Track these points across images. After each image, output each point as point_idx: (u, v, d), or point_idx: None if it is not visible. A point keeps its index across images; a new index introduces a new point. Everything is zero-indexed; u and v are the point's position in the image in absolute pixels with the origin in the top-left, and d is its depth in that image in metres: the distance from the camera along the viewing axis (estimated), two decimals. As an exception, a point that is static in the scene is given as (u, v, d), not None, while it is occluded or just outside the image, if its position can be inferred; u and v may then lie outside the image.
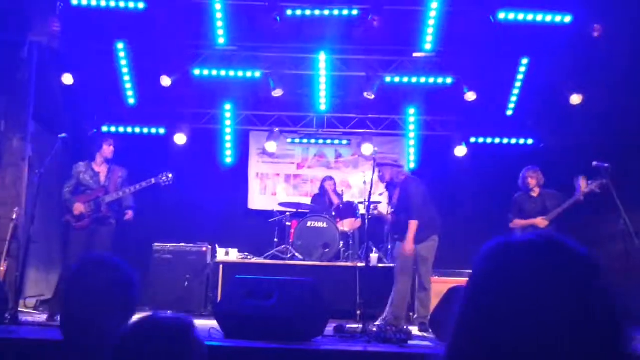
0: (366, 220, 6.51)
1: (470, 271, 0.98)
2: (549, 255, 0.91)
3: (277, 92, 8.43)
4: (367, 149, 8.43)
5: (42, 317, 5.87)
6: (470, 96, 8.26)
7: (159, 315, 1.59)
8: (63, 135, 5.96)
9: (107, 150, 6.45)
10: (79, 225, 6.26)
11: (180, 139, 8.85)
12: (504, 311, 0.88)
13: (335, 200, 8.33)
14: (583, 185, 6.29)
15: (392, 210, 6.15)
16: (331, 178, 8.65)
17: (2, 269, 5.96)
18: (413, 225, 5.95)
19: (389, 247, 7.92)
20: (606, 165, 5.92)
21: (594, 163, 5.94)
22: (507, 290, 0.89)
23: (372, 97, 8.41)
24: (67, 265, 6.15)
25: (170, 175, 6.69)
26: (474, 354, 0.90)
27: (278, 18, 7.72)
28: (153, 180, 6.57)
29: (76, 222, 6.26)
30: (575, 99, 7.93)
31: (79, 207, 6.20)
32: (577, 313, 0.86)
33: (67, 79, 7.88)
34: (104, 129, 8.97)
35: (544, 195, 6.75)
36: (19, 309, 5.41)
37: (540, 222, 6.56)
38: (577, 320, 0.85)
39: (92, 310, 1.74)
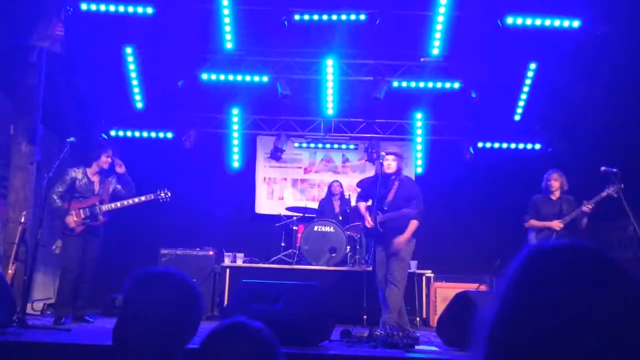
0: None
1: (508, 275, 0.98)
2: (589, 263, 0.92)
3: (285, 95, 8.42)
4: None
5: (50, 320, 5.89)
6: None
7: (246, 321, 1.63)
8: (71, 139, 5.98)
9: (105, 161, 6.43)
10: (77, 228, 6.26)
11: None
12: (545, 316, 0.88)
13: (337, 208, 8.30)
14: (604, 194, 6.20)
15: (386, 208, 5.97)
16: (337, 181, 8.62)
17: (10, 272, 5.98)
18: (416, 223, 5.87)
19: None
20: (615, 170, 5.89)
21: (602, 168, 5.91)
22: (549, 295, 0.89)
23: (381, 96, 8.37)
24: (66, 269, 6.16)
25: (169, 193, 6.69)
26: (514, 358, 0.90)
27: (286, 23, 7.74)
28: (152, 196, 6.59)
29: (67, 229, 6.25)
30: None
31: (71, 220, 6.19)
32: (616, 322, 0.86)
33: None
34: (112, 133, 9.02)
35: (563, 200, 6.70)
36: (27, 312, 5.43)
37: (556, 224, 6.52)
38: (616, 329, 0.85)
39: (153, 330, 1.57)
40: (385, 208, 5.88)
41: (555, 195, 6.69)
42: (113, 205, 6.40)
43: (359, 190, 6.90)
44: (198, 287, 1.70)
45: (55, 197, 6.17)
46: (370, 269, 6.33)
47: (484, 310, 0.98)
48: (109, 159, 6.47)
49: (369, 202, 6.08)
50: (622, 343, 0.85)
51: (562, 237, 6.60)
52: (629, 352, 0.85)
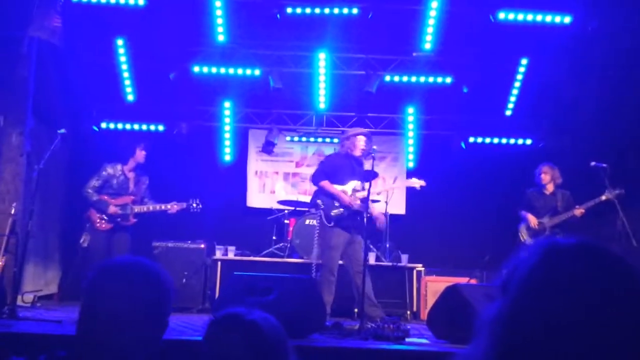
0: (364, 219, 6.45)
1: (515, 268, 0.97)
2: (603, 262, 0.92)
3: (277, 90, 8.43)
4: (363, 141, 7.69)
5: (40, 313, 5.87)
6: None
7: (242, 312, 1.62)
8: (62, 130, 5.96)
9: (140, 155, 6.50)
10: (102, 226, 6.31)
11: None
12: (555, 313, 0.87)
13: None
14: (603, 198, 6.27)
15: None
16: None
17: (0, 263, 5.96)
18: None
19: (387, 245, 7.94)
20: (604, 165, 5.94)
21: (592, 163, 5.97)
22: (560, 293, 0.88)
23: (373, 91, 8.38)
24: (89, 262, 6.20)
25: (200, 205, 6.69)
26: (518, 354, 0.89)
27: (278, 16, 7.73)
28: (184, 205, 6.64)
29: (99, 222, 6.31)
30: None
31: (113, 209, 6.27)
32: (629, 322, 0.86)
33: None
34: (103, 125, 8.98)
35: (558, 196, 6.72)
36: (17, 304, 5.41)
37: (533, 221, 6.61)
38: (628, 328, 0.85)
39: (118, 322, 1.47)
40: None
41: (549, 189, 6.73)
42: (145, 207, 6.46)
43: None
44: (168, 276, 1.61)
45: (91, 191, 6.26)
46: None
47: (490, 304, 0.97)
48: (144, 152, 6.49)
49: (348, 185, 6.02)
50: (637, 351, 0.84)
51: (555, 233, 6.66)
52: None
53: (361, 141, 6.05)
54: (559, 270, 0.91)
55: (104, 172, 6.41)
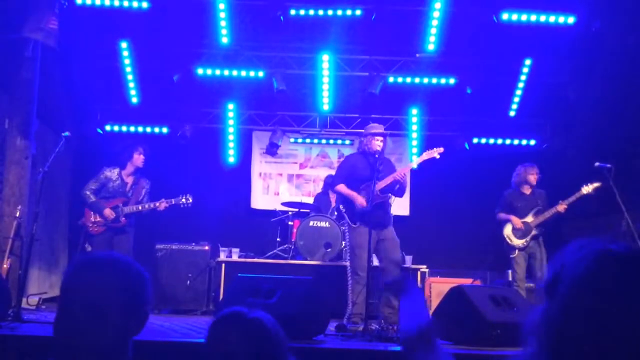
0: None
1: (563, 271, 0.96)
2: None
3: (280, 92, 8.44)
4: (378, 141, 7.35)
5: (45, 315, 5.88)
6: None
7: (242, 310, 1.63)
8: (66, 133, 5.97)
9: (138, 159, 6.50)
10: (95, 230, 6.34)
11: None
12: (606, 320, 0.87)
13: (333, 203, 8.31)
14: (583, 191, 6.34)
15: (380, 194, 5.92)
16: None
17: (5, 266, 5.98)
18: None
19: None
20: (608, 165, 5.91)
21: (596, 164, 5.94)
22: (612, 300, 0.88)
23: (377, 92, 8.39)
24: None
25: (190, 199, 6.69)
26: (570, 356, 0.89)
27: (282, 18, 7.74)
28: (173, 201, 6.62)
29: (92, 226, 6.33)
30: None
31: (108, 212, 6.29)
32: None
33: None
34: (107, 127, 9.00)
35: (537, 195, 6.79)
36: (22, 307, 5.42)
37: (517, 221, 6.64)
38: None
39: (93, 318, 1.46)
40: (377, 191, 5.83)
41: (527, 189, 6.78)
42: (134, 207, 6.45)
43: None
44: (145, 274, 1.59)
45: (88, 193, 6.28)
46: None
47: (537, 307, 0.97)
48: (142, 156, 6.49)
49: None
50: None
51: (543, 234, 6.66)
52: None
53: (377, 141, 6.06)
54: (611, 277, 0.90)
55: (101, 175, 6.44)
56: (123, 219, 6.42)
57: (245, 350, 1.58)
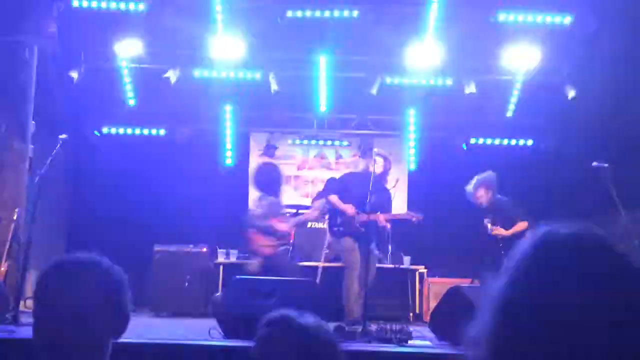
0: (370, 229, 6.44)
1: (516, 259, 0.98)
2: (598, 250, 0.93)
3: (277, 93, 8.44)
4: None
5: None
6: (470, 89, 8.20)
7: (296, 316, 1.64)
8: (63, 136, 5.96)
9: None
10: None
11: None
12: (545, 302, 0.88)
13: None
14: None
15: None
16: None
17: (2, 269, 5.97)
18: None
19: (389, 247, 7.93)
20: (606, 165, 5.92)
21: (594, 163, 5.94)
22: (550, 281, 0.90)
23: (374, 92, 8.40)
24: None
25: None
26: (511, 341, 0.90)
27: (279, 20, 7.73)
28: None
29: None
30: (570, 93, 7.95)
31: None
32: (621, 308, 0.86)
33: (74, 74, 7.90)
34: (105, 130, 8.99)
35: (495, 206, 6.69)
36: (20, 310, 5.41)
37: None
38: (621, 316, 0.86)
39: (73, 319, 1.42)
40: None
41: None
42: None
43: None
44: (124, 275, 1.57)
45: None
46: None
47: (486, 296, 0.99)
48: None
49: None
50: (631, 342, 0.85)
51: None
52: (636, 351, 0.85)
53: (379, 163, 6.16)
54: (549, 259, 0.93)
55: None
56: None
57: (293, 355, 1.59)
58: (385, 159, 6.31)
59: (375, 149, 6.44)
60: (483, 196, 6.54)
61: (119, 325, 1.53)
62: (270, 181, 6.36)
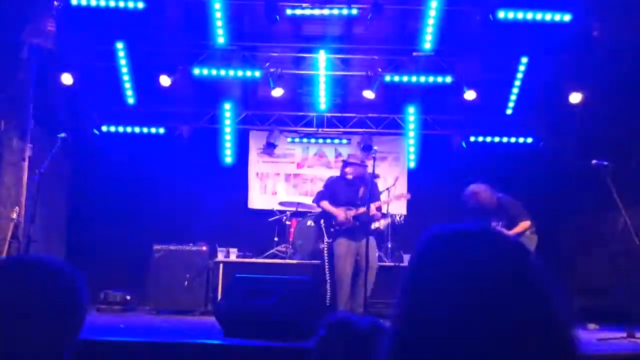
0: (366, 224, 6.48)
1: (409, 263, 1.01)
2: (482, 239, 0.95)
3: (277, 92, 8.46)
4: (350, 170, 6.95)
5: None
6: (470, 95, 8.28)
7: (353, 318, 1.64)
8: (63, 135, 5.96)
9: None
10: None
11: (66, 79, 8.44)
12: (439, 294, 0.90)
13: None
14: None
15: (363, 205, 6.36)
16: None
17: (2, 268, 5.96)
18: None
19: (389, 245, 7.94)
20: (605, 163, 5.91)
21: (593, 161, 5.93)
22: (442, 272, 0.92)
23: (372, 96, 8.44)
24: None
25: None
26: (410, 338, 0.91)
27: (278, 17, 7.72)
28: None
29: None
30: (575, 98, 7.94)
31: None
32: (511, 293, 0.88)
33: (67, 78, 7.88)
34: (104, 128, 8.98)
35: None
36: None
37: None
38: (511, 300, 0.87)
39: (19, 322, 1.38)
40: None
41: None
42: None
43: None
44: (79, 277, 1.51)
45: None
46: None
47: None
48: None
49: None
50: (521, 333, 0.85)
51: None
52: (526, 342, 0.85)
53: (349, 169, 6.65)
54: (437, 251, 0.96)
55: None
56: None
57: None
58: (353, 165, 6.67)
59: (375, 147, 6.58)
60: (488, 195, 6.51)
61: (70, 326, 1.48)
62: None
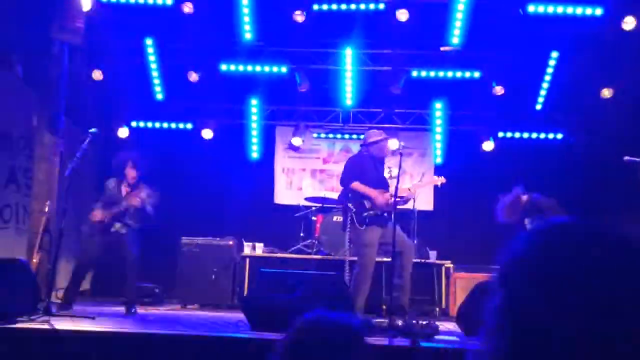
0: (392, 215, 6.38)
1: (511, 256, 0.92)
2: (598, 240, 0.86)
3: (304, 87, 8.47)
4: (393, 143, 7.91)
5: (74, 309, 5.97)
6: (499, 90, 8.19)
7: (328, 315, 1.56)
8: (93, 130, 6.05)
9: (130, 173, 6.25)
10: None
11: (207, 134, 8.95)
12: (555, 296, 0.81)
13: None
14: None
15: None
16: None
17: (34, 261, 6.09)
18: None
19: (415, 241, 7.89)
20: (638, 159, 5.80)
21: (626, 157, 5.82)
22: (558, 276, 0.83)
23: (398, 91, 8.39)
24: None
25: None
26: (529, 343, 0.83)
27: (305, 13, 7.73)
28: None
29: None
30: (606, 93, 7.80)
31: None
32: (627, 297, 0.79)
33: (97, 75, 8.01)
34: (133, 124, 9.10)
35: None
36: (52, 301, 5.53)
37: None
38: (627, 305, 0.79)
39: None
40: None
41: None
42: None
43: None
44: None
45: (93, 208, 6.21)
46: (388, 259, 6.26)
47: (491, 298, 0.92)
48: (134, 170, 6.27)
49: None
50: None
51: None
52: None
53: (390, 145, 6.26)
54: (553, 251, 0.86)
55: (105, 189, 6.37)
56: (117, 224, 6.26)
57: None
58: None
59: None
60: (524, 196, 6.44)
61: None
62: None
